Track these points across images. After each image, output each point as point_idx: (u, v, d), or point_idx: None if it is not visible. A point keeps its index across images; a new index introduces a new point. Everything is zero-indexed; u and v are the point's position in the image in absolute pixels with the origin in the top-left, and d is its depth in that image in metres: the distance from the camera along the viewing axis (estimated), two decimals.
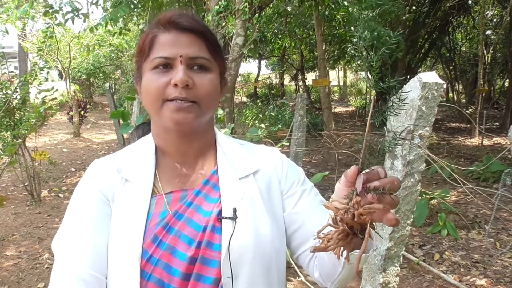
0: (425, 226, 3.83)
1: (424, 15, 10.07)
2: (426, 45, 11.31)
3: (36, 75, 4.73)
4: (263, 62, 17.84)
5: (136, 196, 0.76)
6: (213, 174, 0.80)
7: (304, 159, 6.15)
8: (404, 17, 8.18)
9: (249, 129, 4.20)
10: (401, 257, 1.82)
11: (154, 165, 0.79)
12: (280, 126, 6.56)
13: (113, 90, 13.20)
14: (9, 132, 4.28)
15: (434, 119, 1.61)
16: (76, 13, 4.63)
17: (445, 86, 12.25)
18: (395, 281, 1.82)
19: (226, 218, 0.73)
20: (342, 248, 0.57)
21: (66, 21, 4.69)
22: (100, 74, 14.05)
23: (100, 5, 5.22)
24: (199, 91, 0.73)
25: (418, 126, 1.59)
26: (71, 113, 9.20)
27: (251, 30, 4.37)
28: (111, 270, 0.72)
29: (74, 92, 8.80)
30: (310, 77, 16.41)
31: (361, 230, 0.56)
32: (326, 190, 4.63)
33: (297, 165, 0.91)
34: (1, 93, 4.28)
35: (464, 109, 11.22)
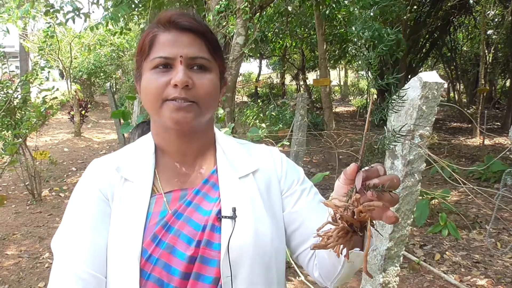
0: (426, 226, 3.83)
1: (425, 14, 10.07)
2: (427, 44, 11.31)
3: (37, 75, 4.73)
4: (264, 62, 17.85)
5: (136, 195, 0.75)
6: (212, 174, 0.80)
7: (304, 159, 6.15)
8: (405, 17, 8.18)
9: (250, 129, 4.19)
10: (401, 257, 1.82)
11: (153, 165, 0.79)
12: (281, 125, 6.57)
13: (114, 89, 13.23)
14: (10, 132, 4.29)
15: (434, 118, 1.61)
16: (77, 13, 4.63)
17: (446, 85, 12.24)
18: (395, 281, 1.82)
19: (225, 217, 0.73)
20: (341, 246, 0.57)
21: (67, 20, 4.69)
22: (101, 74, 14.05)
23: (101, 4, 5.21)
24: (198, 91, 0.73)
25: (418, 125, 1.59)
26: (72, 113, 9.21)
27: (252, 30, 4.37)
28: (111, 269, 0.72)
29: (75, 91, 8.81)
30: (311, 76, 16.42)
31: (360, 227, 0.56)
32: (326, 189, 4.63)
33: (297, 165, 0.91)
34: (2, 92, 4.28)
35: (465, 109, 11.21)
